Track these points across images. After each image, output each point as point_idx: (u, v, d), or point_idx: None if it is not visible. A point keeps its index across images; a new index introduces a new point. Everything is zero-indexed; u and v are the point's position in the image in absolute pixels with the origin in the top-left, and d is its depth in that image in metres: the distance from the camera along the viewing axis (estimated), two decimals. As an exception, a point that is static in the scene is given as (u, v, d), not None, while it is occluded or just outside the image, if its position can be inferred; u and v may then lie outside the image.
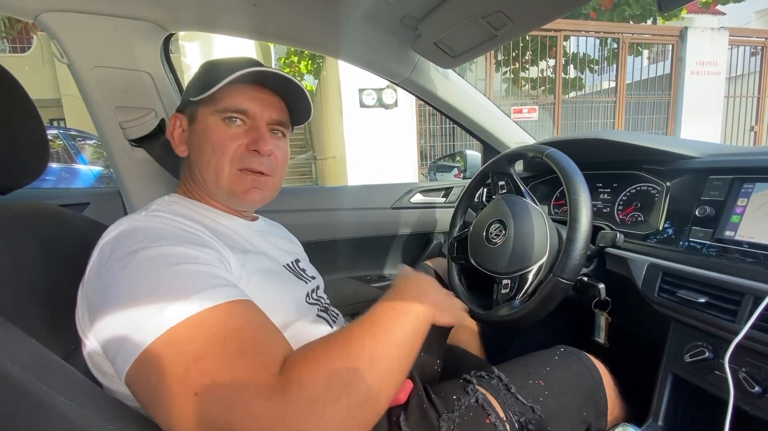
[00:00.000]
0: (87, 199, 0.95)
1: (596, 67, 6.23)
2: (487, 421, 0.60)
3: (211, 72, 0.61)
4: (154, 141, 0.89)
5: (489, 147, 1.33)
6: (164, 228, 0.49)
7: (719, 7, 7.09)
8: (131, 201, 0.93)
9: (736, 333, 0.55)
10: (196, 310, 0.40)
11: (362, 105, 5.23)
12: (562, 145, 1.00)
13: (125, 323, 0.40)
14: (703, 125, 5.90)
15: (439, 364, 0.91)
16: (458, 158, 1.56)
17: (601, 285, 0.76)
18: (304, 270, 0.72)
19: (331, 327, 0.64)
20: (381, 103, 5.26)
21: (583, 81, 6.32)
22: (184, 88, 0.68)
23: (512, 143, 1.29)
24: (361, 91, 5.18)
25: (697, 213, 0.69)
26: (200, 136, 0.60)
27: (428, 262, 1.10)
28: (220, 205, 0.64)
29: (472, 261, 0.88)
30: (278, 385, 0.37)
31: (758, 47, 6.16)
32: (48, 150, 0.58)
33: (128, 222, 0.49)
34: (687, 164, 0.78)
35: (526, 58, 5.83)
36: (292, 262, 0.70)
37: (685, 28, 5.77)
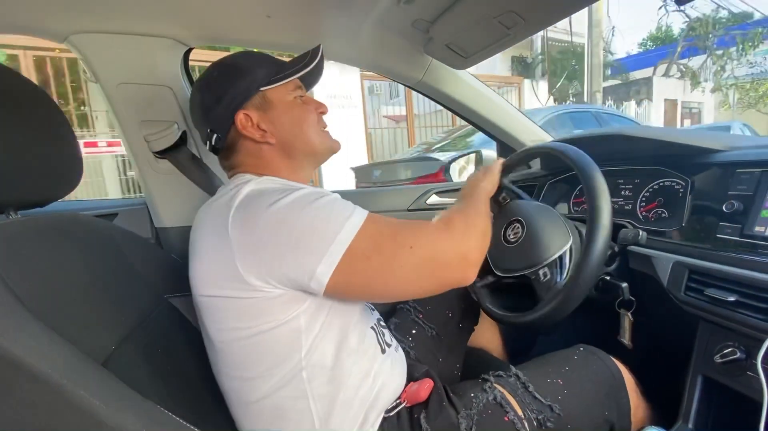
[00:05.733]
0: (116, 210, 0.99)
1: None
2: (506, 419, 0.61)
3: (272, 62, 0.69)
4: (177, 152, 0.92)
5: (505, 146, 1.32)
6: (282, 186, 0.58)
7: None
8: (157, 210, 0.96)
9: None
10: (365, 213, 0.56)
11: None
12: (581, 141, 0.98)
13: (315, 244, 0.51)
14: (349, 151, 5.97)
15: (459, 368, 0.91)
16: (474, 158, 1.55)
17: (624, 285, 0.74)
18: None
19: (372, 311, 0.72)
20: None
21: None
22: (231, 91, 0.67)
23: (529, 141, 1.28)
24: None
25: (724, 208, 0.67)
26: (286, 115, 0.67)
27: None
28: (300, 174, 0.70)
29: (491, 267, 0.87)
30: (445, 228, 0.61)
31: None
32: (81, 163, 0.61)
33: (252, 186, 0.58)
34: (712, 158, 0.75)
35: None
36: None
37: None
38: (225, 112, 0.65)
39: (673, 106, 12.68)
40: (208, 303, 0.56)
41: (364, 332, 0.63)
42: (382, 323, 0.73)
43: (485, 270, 0.90)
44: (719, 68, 12.26)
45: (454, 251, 0.59)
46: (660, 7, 12.11)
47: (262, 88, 0.66)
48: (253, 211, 0.53)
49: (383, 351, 0.65)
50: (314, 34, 0.98)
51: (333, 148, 0.74)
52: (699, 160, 0.77)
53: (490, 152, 1.45)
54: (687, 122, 13.18)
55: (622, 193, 0.93)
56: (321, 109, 0.72)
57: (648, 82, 12.19)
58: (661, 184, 0.85)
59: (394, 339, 0.73)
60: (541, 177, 1.17)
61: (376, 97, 7.14)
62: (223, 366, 0.59)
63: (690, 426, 0.66)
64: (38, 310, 0.40)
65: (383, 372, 0.63)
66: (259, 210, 0.53)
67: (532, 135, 1.28)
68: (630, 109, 10.30)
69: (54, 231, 0.56)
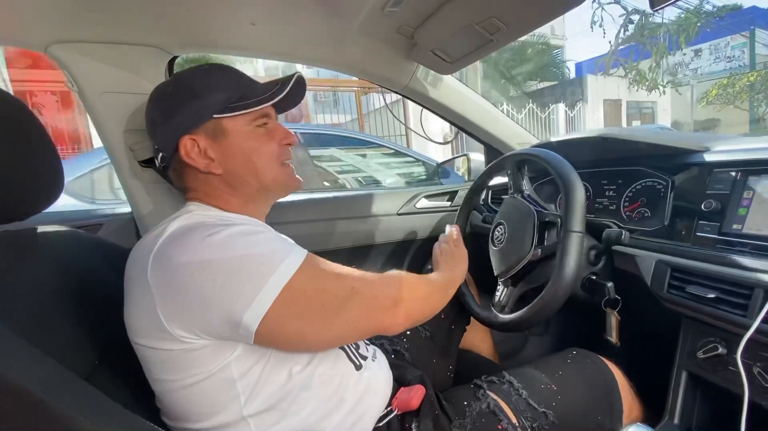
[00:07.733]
0: (100, 221, 0.98)
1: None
2: (499, 427, 0.60)
3: (237, 86, 0.61)
4: None
5: (492, 149, 1.34)
6: (216, 221, 0.53)
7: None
8: (143, 220, 0.95)
9: (748, 328, 0.55)
10: (304, 253, 0.53)
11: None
12: (565, 144, 1.00)
13: (244, 287, 0.46)
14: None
15: (451, 370, 0.91)
16: (462, 161, 1.56)
17: (610, 284, 0.75)
18: None
19: None
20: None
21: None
22: (181, 112, 0.61)
23: (515, 144, 1.29)
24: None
25: (703, 207, 0.69)
26: (240, 146, 0.60)
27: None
28: (251, 208, 0.64)
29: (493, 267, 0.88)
30: (390, 276, 0.63)
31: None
32: (63, 176, 0.60)
33: (180, 222, 0.52)
34: (691, 158, 0.77)
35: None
36: None
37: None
38: (171, 133, 0.59)
39: (616, 107, 11.66)
40: (139, 351, 0.52)
41: (330, 361, 0.58)
42: None
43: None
44: (654, 64, 11.01)
45: (391, 297, 0.58)
46: (594, 0, 10.48)
47: (216, 115, 0.59)
48: (175, 252, 0.48)
49: (359, 367, 0.62)
50: (299, 41, 0.98)
51: (288, 186, 0.66)
52: (678, 161, 0.79)
53: (478, 155, 1.47)
54: (636, 123, 12.17)
55: (607, 193, 0.95)
56: (286, 140, 0.65)
57: (582, 81, 11.15)
58: (644, 184, 0.87)
59: (371, 346, 0.70)
60: (529, 179, 1.18)
61: (320, 104, 7.25)
62: (162, 414, 0.55)
63: (675, 421, 0.67)
64: (19, 325, 0.40)
65: (362, 391, 0.60)
66: (182, 250, 0.47)
67: (519, 138, 1.30)
68: (558, 111, 9.32)
69: (35, 244, 0.55)
